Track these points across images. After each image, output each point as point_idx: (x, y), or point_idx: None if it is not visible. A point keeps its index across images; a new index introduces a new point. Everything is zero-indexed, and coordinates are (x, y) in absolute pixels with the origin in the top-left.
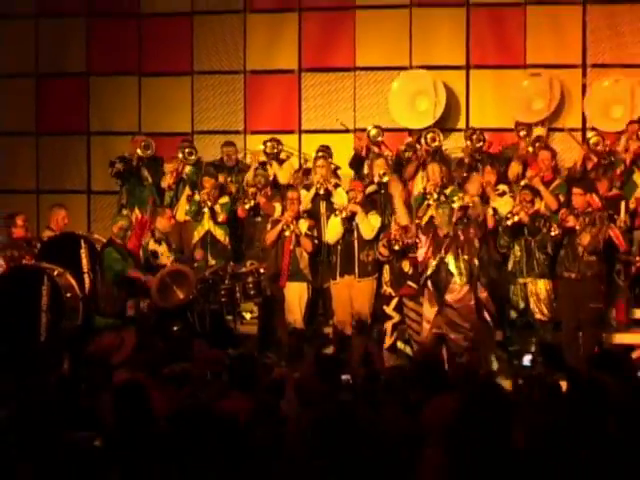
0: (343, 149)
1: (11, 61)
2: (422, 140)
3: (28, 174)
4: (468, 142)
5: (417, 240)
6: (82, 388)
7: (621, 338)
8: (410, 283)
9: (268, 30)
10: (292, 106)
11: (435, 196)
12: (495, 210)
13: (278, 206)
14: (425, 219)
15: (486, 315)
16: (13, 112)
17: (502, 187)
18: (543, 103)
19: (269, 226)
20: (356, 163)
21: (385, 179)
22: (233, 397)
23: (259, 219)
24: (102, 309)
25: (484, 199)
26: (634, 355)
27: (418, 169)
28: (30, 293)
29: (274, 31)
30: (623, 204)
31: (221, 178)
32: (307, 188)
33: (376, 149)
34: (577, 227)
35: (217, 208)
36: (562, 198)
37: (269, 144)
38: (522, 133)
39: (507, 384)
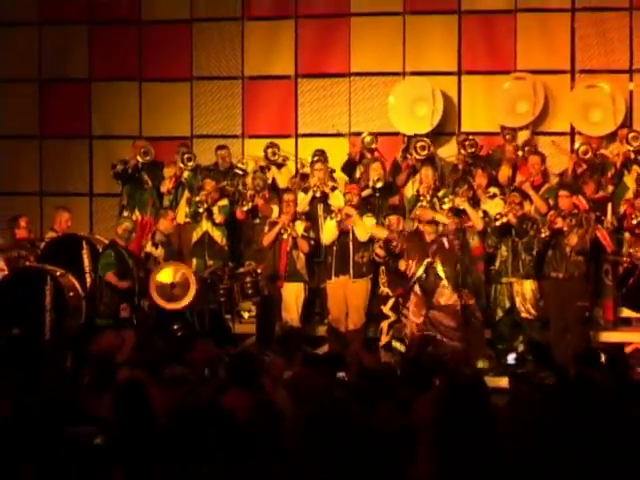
0: (338, 153)
1: (15, 67)
2: (411, 149)
3: (31, 177)
4: (461, 149)
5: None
6: (86, 385)
7: (609, 336)
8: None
9: (265, 37)
10: (289, 111)
11: (428, 198)
12: (485, 212)
13: (276, 208)
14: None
15: (477, 316)
16: (17, 116)
17: (493, 190)
18: (528, 106)
19: (267, 228)
20: (348, 168)
21: (379, 185)
22: (232, 394)
23: (257, 221)
24: (100, 310)
25: (475, 201)
26: (627, 349)
27: (409, 176)
28: (34, 294)
29: (271, 38)
30: (610, 205)
31: None
32: (305, 191)
33: (369, 155)
34: (565, 228)
35: (215, 210)
36: (552, 202)
37: (269, 150)
38: (508, 137)
39: (494, 382)
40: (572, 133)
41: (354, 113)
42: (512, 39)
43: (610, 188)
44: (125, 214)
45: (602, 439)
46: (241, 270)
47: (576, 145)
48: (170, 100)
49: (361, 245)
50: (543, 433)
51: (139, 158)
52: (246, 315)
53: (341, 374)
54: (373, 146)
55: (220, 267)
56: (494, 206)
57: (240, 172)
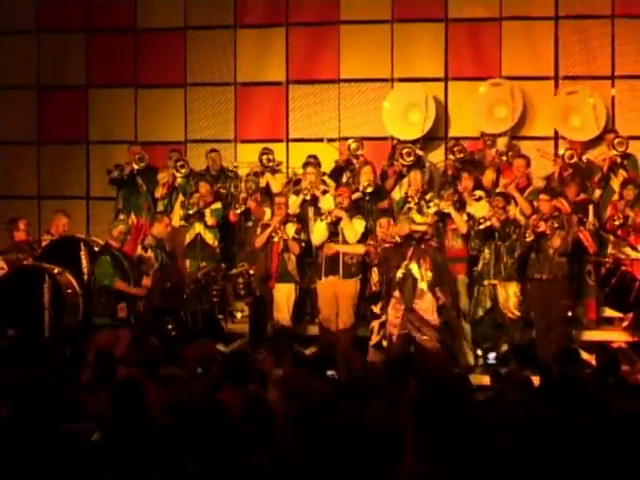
0: (328, 158)
1: (14, 74)
2: (397, 155)
3: (30, 181)
4: (450, 155)
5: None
6: (85, 383)
7: (591, 335)
8: None
9: (257, 44)
10: (280, 116)
11: (416, 200)
12: (469, 215)
13: (268, 211)
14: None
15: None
16: (16, 122)
17: (479, 192)
18: (506, 111)
19: (259, 230)
20: (335, 174)
21: (369, 189)
22: (226, 392)
23: (250, 224)
24: (98, 310)
25: (462, 204)
26: (614, 345)
27: (397, 181)
28: (33, 291)
29: (263, 45)
30: (591, 208)
31: None
32: (296, 193)
33: (355, 161)
34: (547, 231)
35: (207, 212)
36: (536, 204)
37: (264, 157)
38: (488, 143)
39: (478, 379)
40: (555, 137)
41: (343, 118)
42: (497, 46)
43: (597, 192)
44: (121, 217)
45: (586, 436)
46: (234, 271)
47: (561, 151)
48: (165, 106)
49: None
50: (527, 430)
51: (134, 165)
52: (239, 315)
53: (331, 372)
54: (359, 152)
55: (213, 268)
56: (480, 208)
57: (231, 174)
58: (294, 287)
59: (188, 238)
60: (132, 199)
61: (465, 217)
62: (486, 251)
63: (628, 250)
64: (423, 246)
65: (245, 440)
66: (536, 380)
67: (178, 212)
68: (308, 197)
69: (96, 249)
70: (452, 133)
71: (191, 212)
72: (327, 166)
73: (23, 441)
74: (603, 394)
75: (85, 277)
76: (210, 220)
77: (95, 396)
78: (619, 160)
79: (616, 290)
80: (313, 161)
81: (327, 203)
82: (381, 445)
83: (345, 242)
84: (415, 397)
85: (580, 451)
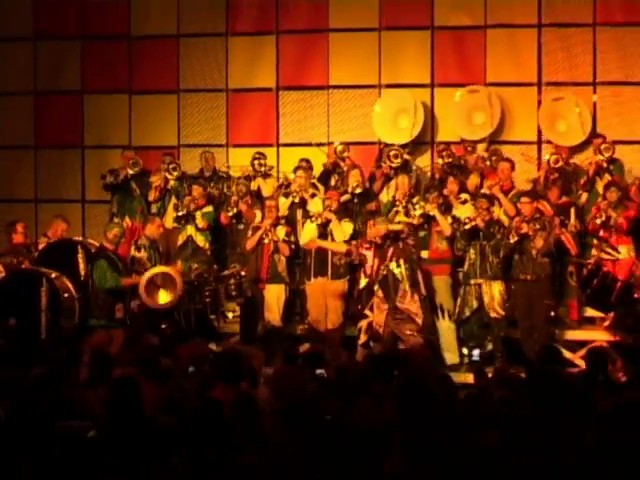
0: (317, 162)
1: (12, 80)
2: (384, 158)
3: (27, 184)
4: (439, 159)
5: (362, 257)
6: (81, 382)
7: (574, 334)
8: None
9: (248, 51)
10: (271, 121)
11: (404, 203)
12: (454, 218)
13: (259, 213)
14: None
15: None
16: (13, 127)
17: (464, 196)
18: (484, 117)
19: (250, 232)
20: (324, 177)
21: (358, 190)
22: (218, 390)
23: (241, 226)
24: (95, 312)
25: (447, 207)
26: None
27: (384, 184)
28: (30, 295)
29: (254, 52)
30: (573, 210)
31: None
32: (286, 196)
33: (342, 163)
34: (530, 233)
35: (198, 215)
36: (519, 206)
37: (256, 162)
38: (469, 149)
39: (463, 377)
40: (539, 142)
41: (332, 124)
42: (482, 53)
43: (584, 195)
44: (115, 221)
45: (570, 434)
46: (226, 273)
47: (546, 156)
48: (158, 111)
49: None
50: (511, 429)
51: (129, 170)
52: (230, 315)
53: (320, 371)
54: (345, 155)
55: (206, 270)
56: (465, 211)
57: (224, 175)
58: (284, 288)
59: (180, 240)
60: (126, 203)
61: (450, 220)
62: (471, 251)
63: (610, 250)
64: (401, 245)
65: (236, 438)
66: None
67: (171, 214)
68: (297, 200)
69: (92, 250)
70: (438, 138)
71: (180, 214)
72: (316, 170)
73: (21, 438)
74: (590, 393)
75: (82, 279)
76: (201, 223)
77: (91, 394)
78: (605, 165)
79: (597, 291)
80: (305, 165)
81: (316, 206)
82: (368, 442)
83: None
84: (396, 398)
85: (564, 449)
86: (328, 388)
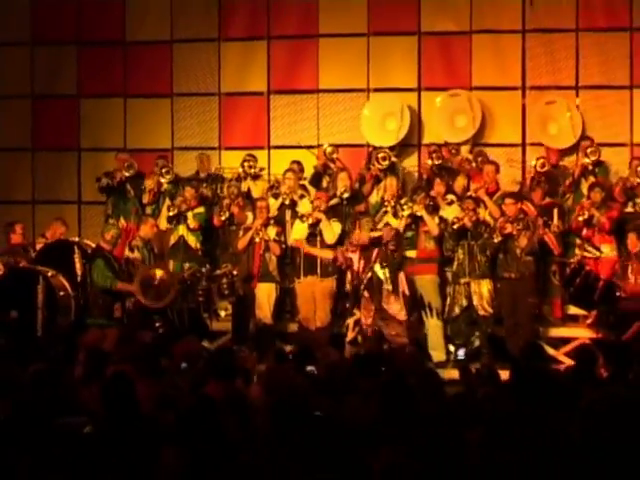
0: (307, 164)
1: (9, 84)
2: (373, 160)
3: (25, 186)
4: (428, 160)
5: (349, 261)
6: (77, 379)
7: (557, 332)
8: None
9: (240, 56)
10: (262, 124)
11: (392, 204)
12: (442, 218)
13: (250, 215)
14: (381, 225)
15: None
16: (11, 130)
17: (451, 197)
18: (466, 120)
19: (241, 233)
20: (315, 179)
21: (346, 195)
22: (211, 386)
23: (233, 228)
24: (93, 312)
25: (435, 208)
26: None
27: (374, 185)
28: (27, 292)
29: (245, 57)
30: (556, 211)
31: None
32: (275, 197)
33: (332, 165)
34: (514, 232)
35: (189, 215)
36: (503, 207)
37: (246, 164)
38: (453, 152)
39: (449, 374)
40: (523, 144)
41: (322, 127)
42: (468, 58)
43: (569, 196)
44: (111, 222)
45: (554, 430)
46: (218, 272)
47: (533, 162)
48: (152, 115)
49: (328, 247)
50: (495, 425)
51: (124, 172)
52: (223, 313)
53: (310, 368)
54: (334, 156)
55: (199, 269)
56: (452, 212)
57: (218, 176)
58: (275, 287)
59: (172, 240)
60: (121, 204)
61: (437, 220)
62: (460, 251)
63: (591, 249)
64: (384, 248)
65: (228, 434)
66: (505, 375)
67: (165, 215)
68: (287, 201)
69: (88, 251)
70: (424, 140)
71: (171, 214)
72: (307, 172)
73: (20, 436)
74: (579, 390)
75: (79, 279)
76: (192, 223)
77: (87, 391)
78: (590, 167)
79: (580, 289)
80: (295, 167)
81: (304, 208)
82: (356, 439)
83: (323, 242)
84: (380, 395)
85: (548, 445)
86: (317, 385)
